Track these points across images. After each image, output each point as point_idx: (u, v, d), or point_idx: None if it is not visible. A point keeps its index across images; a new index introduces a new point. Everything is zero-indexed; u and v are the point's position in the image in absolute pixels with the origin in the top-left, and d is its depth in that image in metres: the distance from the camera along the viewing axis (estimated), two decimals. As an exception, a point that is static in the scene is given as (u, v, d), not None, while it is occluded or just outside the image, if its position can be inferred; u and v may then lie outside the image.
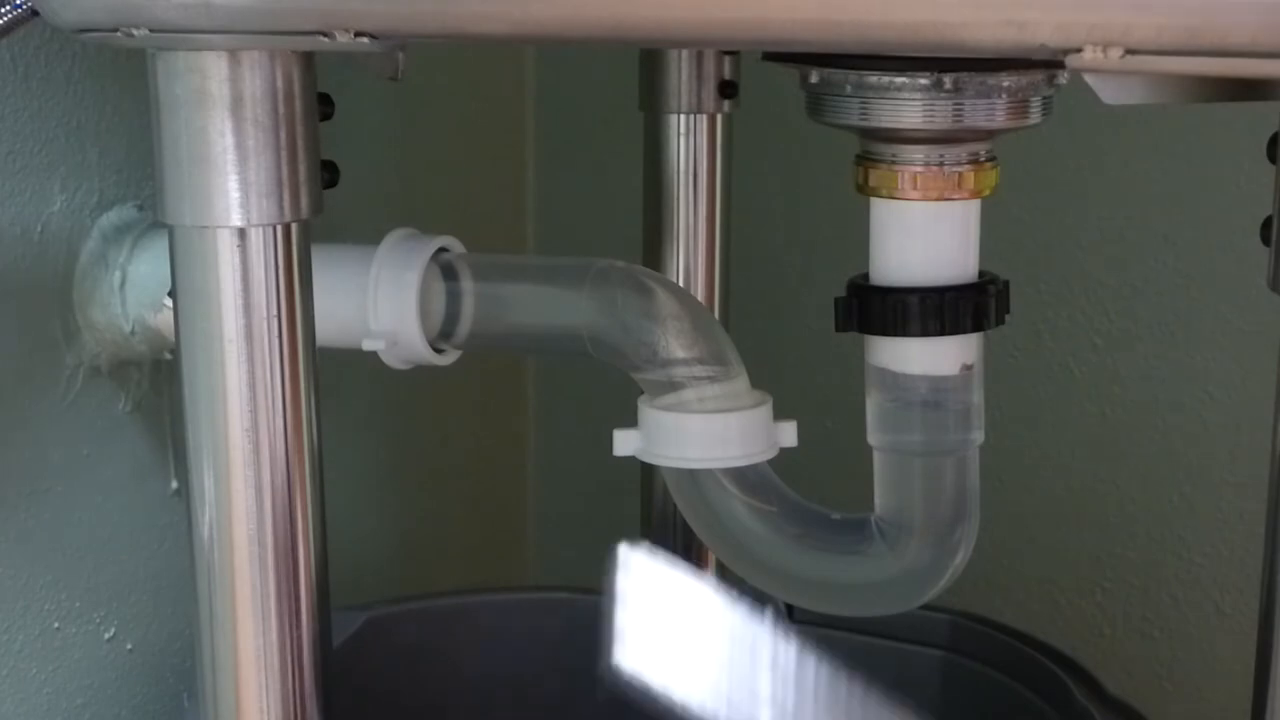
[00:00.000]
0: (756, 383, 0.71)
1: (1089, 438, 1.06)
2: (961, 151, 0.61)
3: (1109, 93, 0.48)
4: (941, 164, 0.61)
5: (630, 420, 0.71)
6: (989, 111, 0.58)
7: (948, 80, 0.58)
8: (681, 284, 0.88)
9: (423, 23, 0.52)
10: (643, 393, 0.71)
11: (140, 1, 0.53)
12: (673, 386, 0.70)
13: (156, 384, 0.81)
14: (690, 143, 0.88)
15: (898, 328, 0.63)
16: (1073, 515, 1.07)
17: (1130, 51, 0.45)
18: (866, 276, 0.64)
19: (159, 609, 0.84)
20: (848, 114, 0.60)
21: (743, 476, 0.71)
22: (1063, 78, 0.57)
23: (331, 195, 0.62)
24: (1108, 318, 1.04)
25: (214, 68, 0.55)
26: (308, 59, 0.57)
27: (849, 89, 0.59)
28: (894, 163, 0.61)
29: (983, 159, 0.61)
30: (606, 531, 1.13)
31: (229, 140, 0.55)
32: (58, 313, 0.76)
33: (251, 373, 0.58)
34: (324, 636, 0.61)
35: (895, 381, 0.64)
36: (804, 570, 0.72)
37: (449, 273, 0.73)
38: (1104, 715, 0.73)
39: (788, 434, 0.71)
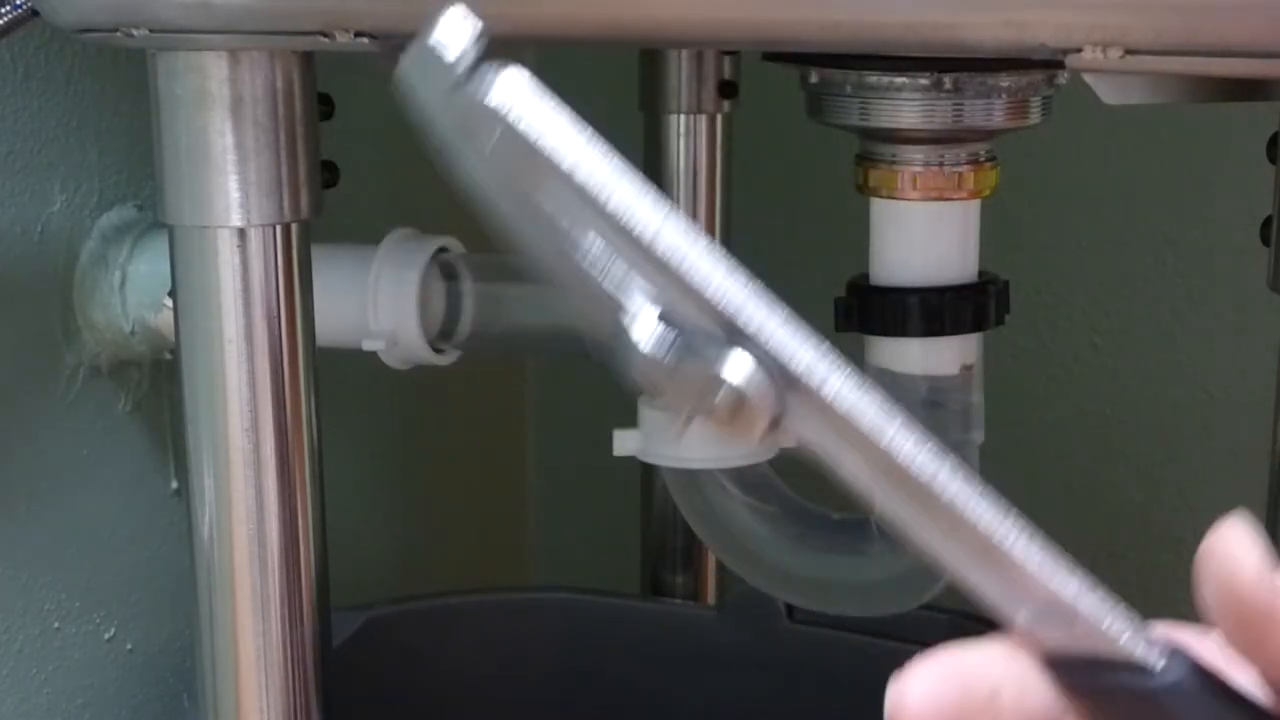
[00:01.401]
0: (756, 383, 0.70)
1: (1089, 438, 1.06)
2: (961, 151, 0.61)
3: (1109, 93, 0.48)
4: (941, 164, 0.61)
5: (630, 420, 0.71)
6: (988, 111, 0.59)
7: (947, 80, 0.58)
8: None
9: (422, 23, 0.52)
10: (643, 393, 0.71)
11: (140, 1, 0.53)
12: (673, 386, 0.70)
13: (156, 384, 0.81)
14: (690, 143, 0.88)
15: (897, 328, 0.63)
16: (1073, 515, 1.07)
17: (1130, 51, 0.45)
18: (866, 276, 0.64)
19: (159, 609, 0.84)
20: (848, 114, 0.60)
21: (743, 476, 0.71)
22: (1063, 78, 0.57)
23: (331, 195, 0.62)
24: (1108, 318, 1.04)
25: (214, 68, 0.55)
26: (308, 59, 0.57)
27: (849, 89, 0.59)
28: (894, 163, 0.61)
29: (982, 159, 0.61)
30: (606, 531, 1.13)
31: (229, 140, 0.55)
32: (58, 313, 0.76)
33: (251, 373, 0.58)
34: (324, 636, 0.61)
35: (895, 381, 0.64)
36: (804, 570, 0.72)
37: (449, 273, 0.73)
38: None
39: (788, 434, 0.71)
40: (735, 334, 0.31)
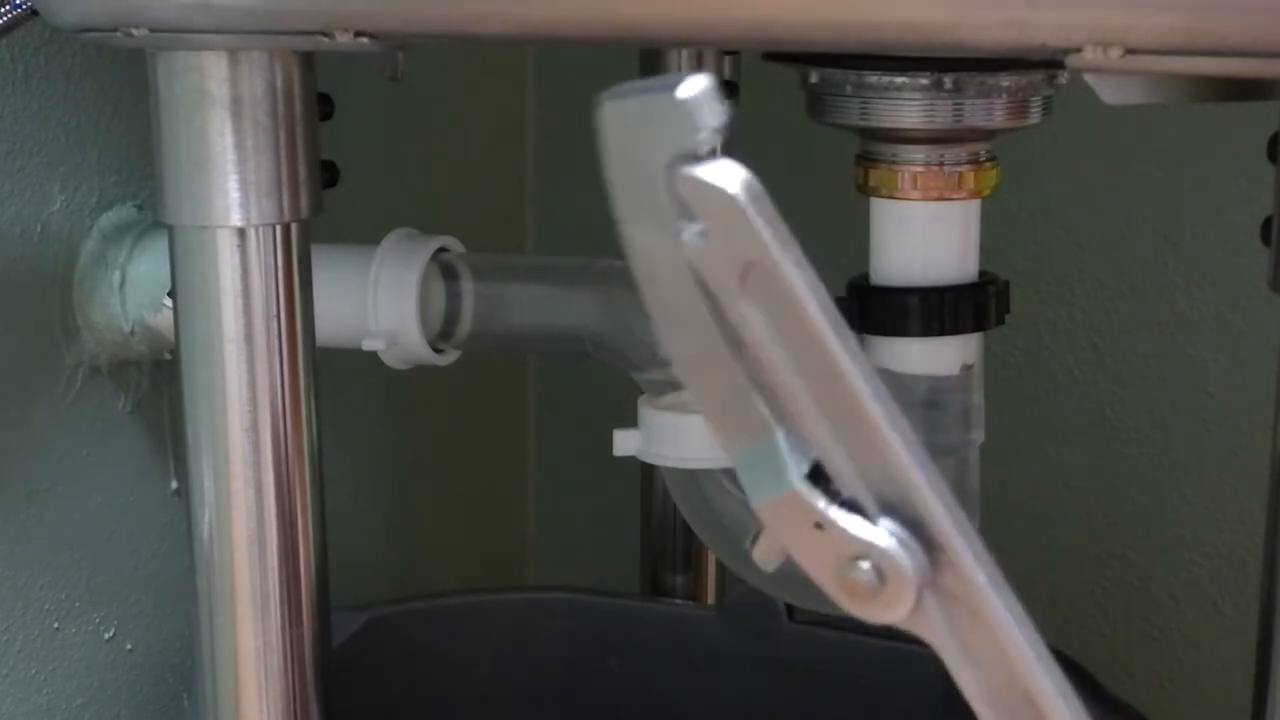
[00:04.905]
0: (756, 383, 0.70)
1: (1089, 438, 1.06)
2: (961, 151, 0.61)
3: (1109, 93, 0.48)
4: (941, 164, 0.61)
5: (630, 420, 0.71)
6: (989, 111, 0.58)
7: (948, 80, 0.58)
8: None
9: (423, 23, 0.52)
10: (643, 393, 0.71)
11: (140, 1, 0.53)
12: (673, 386, 0.70)
13: (156, 384, 0.81)
14: (690, 143, 0.88)
15: (898, 328, 0.63)
16: (1073, 515, 1.07)
17: (1130, 51, 0.45)
18: (866, 276, 0.64)
19: (159, 609, 0.84)
20: (848, 114, 0.60)
21: (743, 476, 0.71)
22: (1063, 78, 0.57)
23: (331, 195, 0.62)
24: (1108, 318, 1.04)
25: (214, 68, 0.55)
26: (308, 59, 0.57)
27: (849, 89, 0.59)
28: (894, 163, 0.61)
29: (983, 159, 0.61)
30: (606, 531, 1.13)
31: (229, 140, 0.55)
32: (58, 313, 0.76)
33: (251, 373, 0.58)
34: (324, 636, 0.61)
35: (895, 381, 0.64)
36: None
37: (449, 273, 0.73)
38: (1104, 715, 0.73)
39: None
40: (895, 508, 0.29)
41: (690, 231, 0.29)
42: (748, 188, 0.29)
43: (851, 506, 0.30)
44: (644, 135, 0.29)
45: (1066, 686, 0.31)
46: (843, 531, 0.29)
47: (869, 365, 0.30)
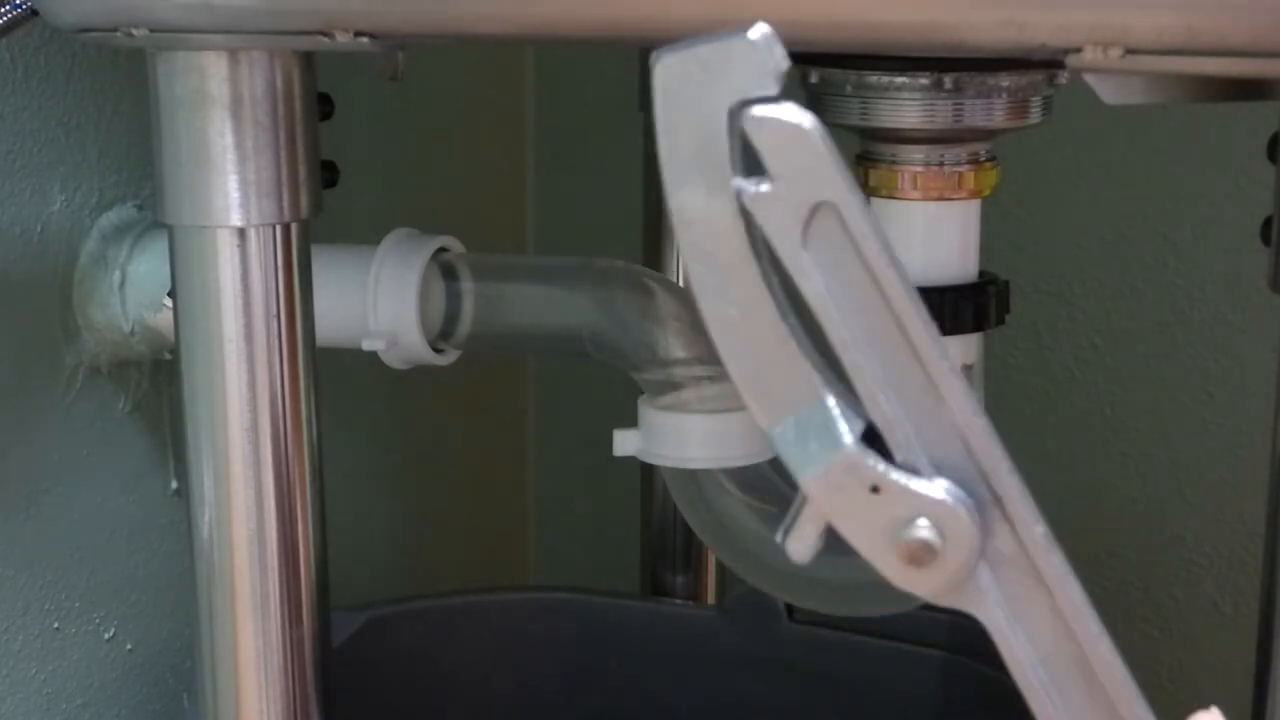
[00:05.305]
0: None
1: (1089, 438, 1.06)
2: (961, 151, 0.61)
3: (1109, 93, 0.48)
4: (941, 164, 0.61)
5: (630, 420, 0.71)
6: (989, 111, 0.58)
7: (948, 80, 0.58)
8: (681, 284, 0.88)
9: (423, 23, 0.52)
10: (643, 393, 0.71)
11: (140, 1, 0.53)
12: (673, 386, 0.70)
13: (156, 384, 0.81)
14: (690, 143, 0.88)
15: (897, 328, 0.63)
16: (1073, 515, 1.07)
17: (1130, 51, 0.45)
18: (866, 276, 0.64)
19: (159, 609, 0.84)
20: (848, 114, 0.60)
21: (743, 476, 0.71)
22: (1063, 78, 0.57)
23: (331, 195, 0.62)
24: (1108, 318, 1.04)
25: (214, 68, 0.55)
26: (308, 59, 0.57)
27: (849, 89, 0.59)
28: (894, 163, 0.61)
29: (983, 159, 0.61)
30: (606, 531, 1.13)
31: (228, 140, 0.55)
32: (57, 313, 0.76)
33: (251, 373, 0.58)
34: (324, 636, 0.61)
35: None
36: (804, 570, 0.72)
37: (449, 273, 0.73)
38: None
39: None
40: (948, 468, 0.29)
41: (752, 179, 0.29)
42: (820, 125, 0.29)
43: (907, 468, 0.30)
44: (705, 85, 0.29)
45: (1114, 648, 0.31)
46: (903, 490, 0.29)
47: (927, 311, 0.30)
